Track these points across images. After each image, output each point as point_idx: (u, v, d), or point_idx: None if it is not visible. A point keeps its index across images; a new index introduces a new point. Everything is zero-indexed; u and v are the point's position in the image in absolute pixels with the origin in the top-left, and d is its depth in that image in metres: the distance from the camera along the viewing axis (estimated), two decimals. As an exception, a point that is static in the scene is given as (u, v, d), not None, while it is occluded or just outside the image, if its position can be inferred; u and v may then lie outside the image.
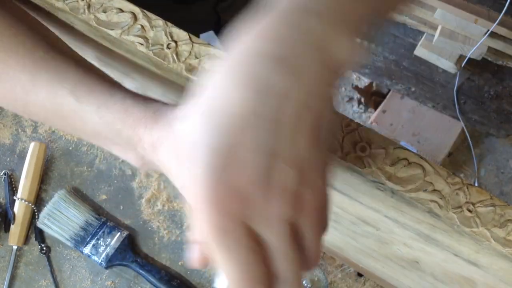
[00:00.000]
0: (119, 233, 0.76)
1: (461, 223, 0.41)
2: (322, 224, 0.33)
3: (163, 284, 0.72)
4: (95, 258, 0.74)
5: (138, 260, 0.75)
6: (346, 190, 0.50)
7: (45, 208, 0.76)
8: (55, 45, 0.47)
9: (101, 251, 0.74)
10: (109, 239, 0.75)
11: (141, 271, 0.74)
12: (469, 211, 0.41)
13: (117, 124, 0.41)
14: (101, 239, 0.75)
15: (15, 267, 0.77)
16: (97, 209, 0.79)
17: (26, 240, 0.78)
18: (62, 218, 0.75)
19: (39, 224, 0.76)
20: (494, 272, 0.46)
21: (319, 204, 0.31)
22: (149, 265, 0.74)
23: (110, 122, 0.41)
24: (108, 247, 0.75)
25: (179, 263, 0.76)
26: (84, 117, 0.43)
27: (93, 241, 0.75)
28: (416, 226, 0.47)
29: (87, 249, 0.75)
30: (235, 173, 0.28)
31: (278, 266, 0.31)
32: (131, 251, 0.75)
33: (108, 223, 0.77)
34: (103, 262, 0.74)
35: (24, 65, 0.45)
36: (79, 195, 0.80)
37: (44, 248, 0.77)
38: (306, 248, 0.32)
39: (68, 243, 0.75)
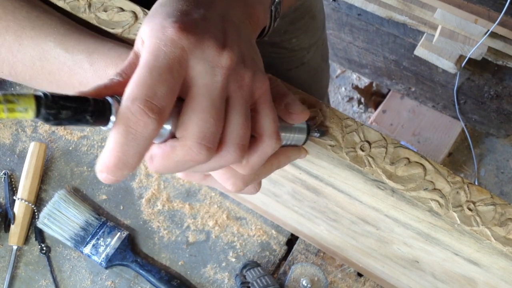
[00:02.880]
0: (119, 233, 0.76)
1: (462, 222, 0.41)
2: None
3: (163, 284, 0.72)
4: (95, 258, 0.74)
5: (138, 260, 0.74)
6: (346, 189, 0.49)
7: (45, 208, 0.76)
8: (37, 5, 0.47)
9: (101, 251, 0.74)
10: (109, 239, 0.75)
11: (141, 271, 0.74)
12: (470, 210, 0.41)
13: (110, 69, 0.41)
14: (101, 239, 0.75)
15: (15, 267, 0.77)
16: (97, 209, 0.79)
17: (26, 240, 0.78)
18: (62, 218, 0.75)
19: (39, 224, 0.76)
20: (494, 271, 0.46)
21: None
22: (149, 265, 0.74)
23: (102, 69, 0.42)
24: (108, 247, 0.75)
25: (179, 263, 0.76)
26: (72, 67, 0.43)
27: (93, 241, 0.75)
28: (416, 225, 0.47)
29: (87, 249, 0.75)
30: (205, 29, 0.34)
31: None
32: (131, 251, 0.75)
33: (108, 223, 0.77)
34: (103, 262, 0.74)
35: (7, 26, 0.45)
36: (79, 195, 0.80)
37: (44, 248, 0.77)
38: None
39: (68, 243, 0.75)
